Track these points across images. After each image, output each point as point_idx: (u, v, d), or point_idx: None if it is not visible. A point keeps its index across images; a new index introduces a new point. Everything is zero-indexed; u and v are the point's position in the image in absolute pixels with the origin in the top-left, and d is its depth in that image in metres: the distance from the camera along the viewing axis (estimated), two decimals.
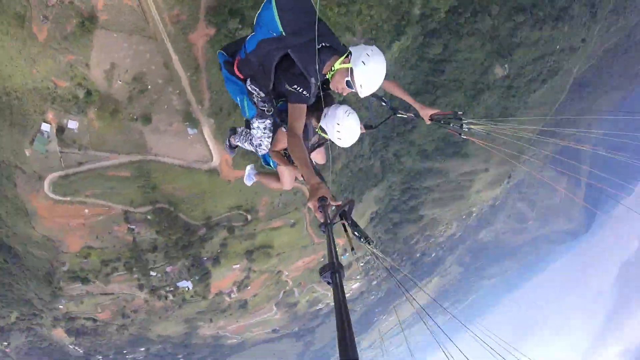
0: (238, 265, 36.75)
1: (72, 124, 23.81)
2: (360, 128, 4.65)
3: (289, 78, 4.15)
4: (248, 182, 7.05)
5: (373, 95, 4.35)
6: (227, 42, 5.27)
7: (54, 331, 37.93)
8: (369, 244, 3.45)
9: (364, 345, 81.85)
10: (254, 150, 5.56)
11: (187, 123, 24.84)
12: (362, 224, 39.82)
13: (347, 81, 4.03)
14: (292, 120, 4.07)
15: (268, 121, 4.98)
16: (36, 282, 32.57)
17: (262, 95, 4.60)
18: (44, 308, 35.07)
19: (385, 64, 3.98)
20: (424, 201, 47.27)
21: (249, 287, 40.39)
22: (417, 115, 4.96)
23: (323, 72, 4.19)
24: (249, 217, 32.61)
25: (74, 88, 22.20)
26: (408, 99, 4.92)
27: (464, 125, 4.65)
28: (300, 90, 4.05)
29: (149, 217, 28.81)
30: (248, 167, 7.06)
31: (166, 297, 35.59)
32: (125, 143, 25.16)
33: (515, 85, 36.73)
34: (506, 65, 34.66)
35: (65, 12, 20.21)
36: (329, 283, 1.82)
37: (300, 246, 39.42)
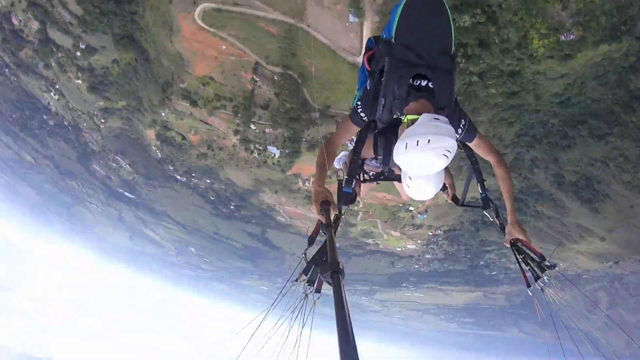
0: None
1: None
2: (444, 185, 3.86)
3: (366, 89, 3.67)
4: (337, 165, 6.24)
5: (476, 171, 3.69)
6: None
7: (148, 131, 43.54)
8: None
9: (379, 297, 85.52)
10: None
11: (352, 10, 24.65)
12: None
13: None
14: (337, 131, 3.73)
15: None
16: (154, 85, 36.47)
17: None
18: (149, 109, 39.89)
19: (434, 167, 3.08)
20: (524, 221, 43.59)
21: None
22: (502, 228, 3.72)
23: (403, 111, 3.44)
24: None
25: None
26: (508, 204, 3.75)
27: (542, 280, 3.25)
28: (359, 109, 3.51)
29: (275, 77, 30.36)
30: (342, 152, 6.89)
31: (252, 152, 38.63)
32: (285, 1, 26.10)
33: None
34: None
35: None
36: (329, 283, 1.84)
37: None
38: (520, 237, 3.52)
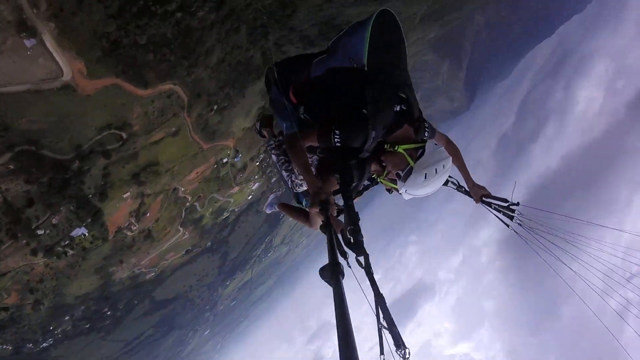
0: (128, 194, 36.12)
1: None
2: None
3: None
4: (268, 210, 6.57)
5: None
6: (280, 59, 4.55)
7: None
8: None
9: (276, 242, 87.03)
10: (287, 185, 4.89)
11: (23, 34, 21.99)
12: (248, 121, 41.52)
13: (398, 173, 3.64)
14: (305, 135, 3.77)
15: (315, 157, 4.17)
16: None
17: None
18: None
19: (440, 184, 3.65)
20: None
21: (148, 214, 40.42)
22: (467, 193, 4.48)
23: (387, 139, 3.69)
24: (124, 135, 30.89)
25: None
26: (464, 174, 4.46)
27: (515, 218, 4.14)
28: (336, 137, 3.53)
29: (11, 166, 26.89)
30: (271, 196, 6.54)
31: (65, 253, 35.33)
32: None
33: None
34: None
35: None
36: (329, 284, 1.84)
37: (190, 156, 39.16)
38: (484, 192, 4.36)
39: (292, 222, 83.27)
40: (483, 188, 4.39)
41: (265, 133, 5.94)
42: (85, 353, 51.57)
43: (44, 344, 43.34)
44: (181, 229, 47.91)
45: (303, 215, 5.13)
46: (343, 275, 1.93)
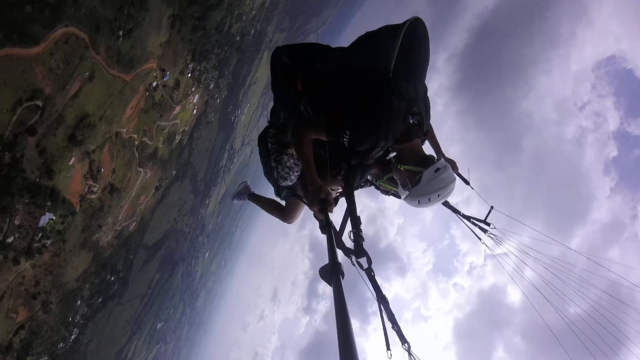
0: (73, 159, 33.72)
1: None
2: None
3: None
4: (235, 201, 6.22)
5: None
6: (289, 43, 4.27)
7: None
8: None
9: (237, 146, 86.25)
10: (272, 176, 4.61)
11: None
12: (162, 34, 38.93)
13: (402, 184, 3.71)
14: (309, 127, 3.70)
15: (300, 121, 4.07)
16: None
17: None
18: None
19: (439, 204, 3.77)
20: None
21: (102, 170, 38.33)
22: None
23: (394, 148, 3.75)
24: (39, 102, 28.16)
25: None
26: (435, 147, 4.57)
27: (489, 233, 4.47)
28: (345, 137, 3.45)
29: None
30: (241, 185, 6.13)
31: (44, 246, 33.59)
32: None
33: None
34: None
35: None
36: (329, 284, 1.85)
37: (117, 94, 36.34)
38: (453, 166, 4.53)
39: (246, 121, 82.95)
40: (453, 162, 4.55)
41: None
42: (111, 324, 53.05)
43: (72, 337, 43.69)
44: (141, 169, 46.48)
45: (277, 208, 5.32)
46: (343, 275, 1.91)
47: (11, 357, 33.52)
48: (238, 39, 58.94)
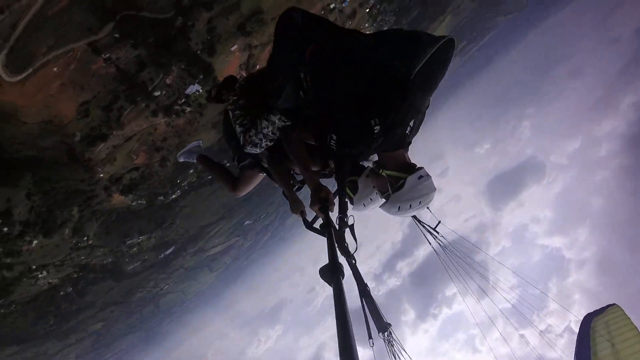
0: (236, 46, 35.54)
1: None
2: None
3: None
4: (181, 159, 6.22)
5: None
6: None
7: (113, 200, 41.10)
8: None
9: None
10: (240, 140, 4.46)
11: None
12: None
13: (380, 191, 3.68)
14: (299, 133, 3.83)
15: (289, 123, 4.04)
16: (68, 169, 33.60)
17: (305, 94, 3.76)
18: (90, 187, 37.09)
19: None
20: None
21: (257, 66, 39.57)
22: None
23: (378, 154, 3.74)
24: None
25: None
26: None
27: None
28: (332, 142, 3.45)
29: (116, 35, 27.17)
30: (193, 142, 6.16)
31: (183, 111, 36.70)
32: None
33: None
34: None
35: None
36: (329, 284, 1.85)
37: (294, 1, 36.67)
38: None
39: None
40: None
41: (226, 96, 5.20)
42: (209, 202, 57.39)
43: (173, 196, 48.50)
44: None
45: (227, 177, 5.37)
46: (343, 275, 1.91)
47: (117, 188, 38.36)
48: None
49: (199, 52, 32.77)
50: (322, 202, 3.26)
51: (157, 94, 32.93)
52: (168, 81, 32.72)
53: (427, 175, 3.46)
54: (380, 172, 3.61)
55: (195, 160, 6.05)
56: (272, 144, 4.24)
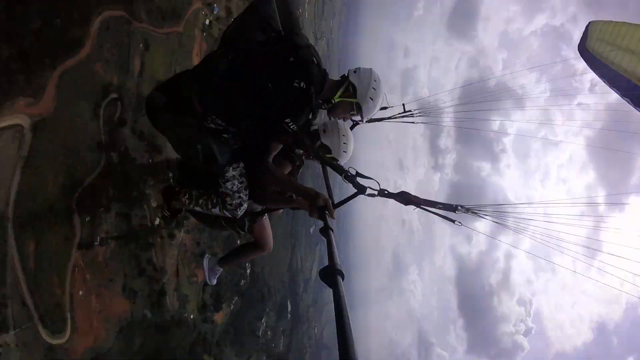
0: None
1: None
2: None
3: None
4: (213, 281, 5.96)
5: None
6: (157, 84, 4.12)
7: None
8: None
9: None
10: (228, 214, 4.38)
11: None
12: None
13: (351, 114, 4.03)
14: (270, 148, 3.94)
15: (242, 164, 4.11)
16: None
17: (231, 130, 3.89)
18: None
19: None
20: None
21: None
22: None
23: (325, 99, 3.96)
24: (114, 95, 26.35)
25: None
26: None
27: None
28: (290, 124, 3.57)
29: None
30: (205, 261, 5.89)
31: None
32: None
33: None
34: None
35: None
36: (329, 285, 1.80)
37: (177, 48, 34.46)
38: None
39: (311, 17, 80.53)
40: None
41: (179, 202, 4.85)
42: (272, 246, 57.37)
43: (248, 271, 46.73)
44: None
45: (251, 249, 5.35)
46: (343, 277, 1.90)
47: (210, 312, 38.29)
48: None
49: (151, 160, 30.61)
50: (321, 210, 3.26)
51: (157, 222, 30.45)
52: (154, 204, 30.83)
53: (357, 67, 3.88)
54: (333, 102, 3.87)
55: (222, 269, 5.93)
56: (247, 191, 4.21)
